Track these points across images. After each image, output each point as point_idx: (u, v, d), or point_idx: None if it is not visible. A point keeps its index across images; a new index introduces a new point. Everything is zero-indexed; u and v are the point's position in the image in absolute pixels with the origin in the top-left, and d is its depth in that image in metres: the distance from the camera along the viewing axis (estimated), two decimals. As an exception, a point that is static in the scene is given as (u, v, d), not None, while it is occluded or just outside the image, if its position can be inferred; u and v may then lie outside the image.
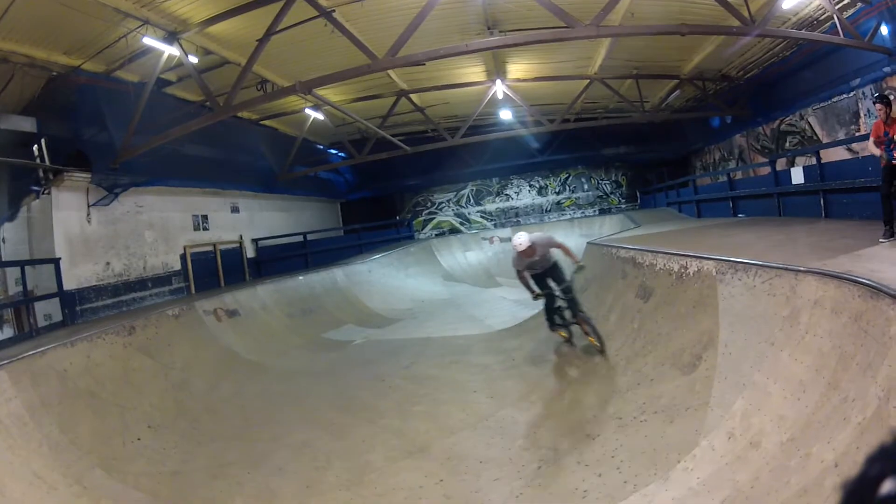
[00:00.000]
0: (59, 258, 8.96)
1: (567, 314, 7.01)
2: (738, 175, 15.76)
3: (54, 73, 9.57)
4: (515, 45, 10.85)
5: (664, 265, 6.20)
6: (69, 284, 9.06)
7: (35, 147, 9.38)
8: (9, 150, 9.61)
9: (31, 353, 5.31)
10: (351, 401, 6.78)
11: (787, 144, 15.03)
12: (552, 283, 6.97)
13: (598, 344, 6.44)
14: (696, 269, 5.42)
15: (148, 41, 8.94)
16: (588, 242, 10.24)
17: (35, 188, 9.46)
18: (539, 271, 7.02)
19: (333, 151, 20.40)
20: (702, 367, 4.47)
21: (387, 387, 7.24)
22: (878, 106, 5.80)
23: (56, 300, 8.67)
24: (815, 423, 3.09)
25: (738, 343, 4.27)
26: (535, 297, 6.95)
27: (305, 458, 5.19)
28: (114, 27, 8.96)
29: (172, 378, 6.70)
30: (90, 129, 9.98)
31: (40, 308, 8.69)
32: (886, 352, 2.86)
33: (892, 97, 6.10)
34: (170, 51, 9.33)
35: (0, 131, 9.28)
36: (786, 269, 4.20)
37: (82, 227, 9.74)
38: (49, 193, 9.36)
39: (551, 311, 7.16)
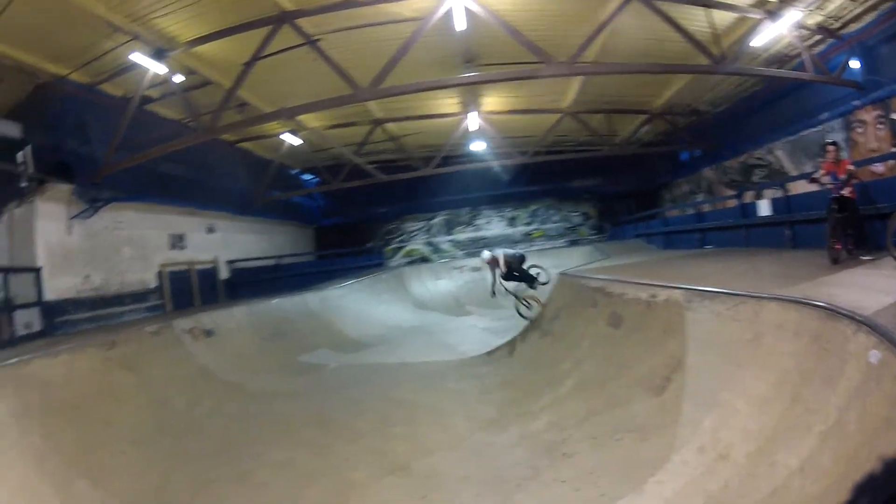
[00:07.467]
0: (41, 267, 8.86)
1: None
2: (707, 208, 15.89)
3: (41, 81, 9.51)
4: (492, 81, 11.17)
5: (634, 294, 6.38)
6: (49, 295, 8.95)
7: (20, 154, 9.20)
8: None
9: (14, 360, 5.28)
10: (329, 421, 6.77)
11: (755, 177, 15.12)
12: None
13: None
14: (664, 298, 5.59)
15: (136, 57, 8.94)
16: (559, 273, 10.46)
17: (18, 195, 9.29)
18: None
19: (308, 177, 20.49)
20: (671, 388, 4.64)
21: (364, 408, 7.23)
22: (830, 147, 6.71)
23: (35, 309, 8.52)
24: (780, 433, 3.28)
25: (704, 365, 4.45)
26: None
27: (289, 475, 5.19)
28: (103, 39, 9.00)
29: (152, 394, 6.66)
30: (74, 140, 9.95)
31: (20, 317, 8.50)
32: (844, 366, 3.08)
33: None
34: (156, 68, 9.31)
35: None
36: (749, 296, 4.43)
37: (63, 239, 9.65)
38: (32, 202, 9.25)
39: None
